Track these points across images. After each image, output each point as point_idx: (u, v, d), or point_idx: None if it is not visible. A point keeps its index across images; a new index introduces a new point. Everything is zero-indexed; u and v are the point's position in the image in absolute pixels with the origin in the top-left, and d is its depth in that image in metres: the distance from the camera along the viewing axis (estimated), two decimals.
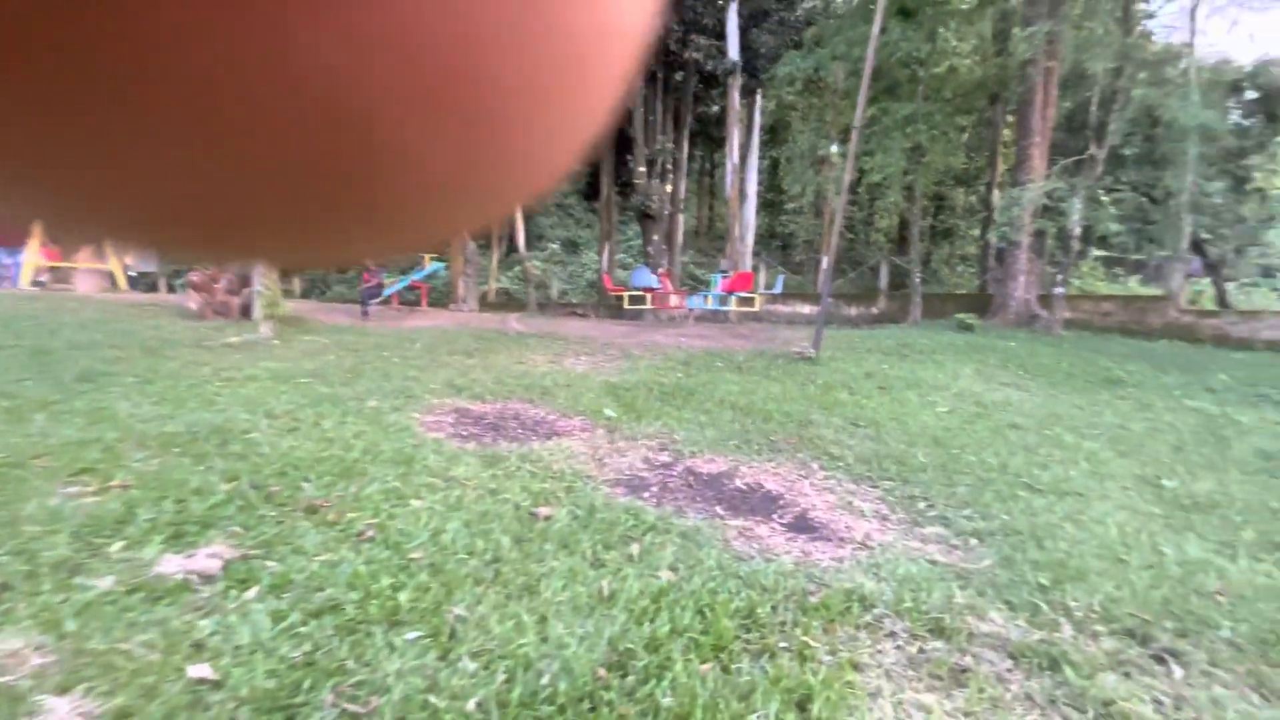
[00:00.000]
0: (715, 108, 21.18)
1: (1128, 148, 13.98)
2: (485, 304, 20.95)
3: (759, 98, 15.83)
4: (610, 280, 10.26)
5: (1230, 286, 20.15)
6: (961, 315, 10.97)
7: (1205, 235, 15.57)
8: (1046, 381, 7.59)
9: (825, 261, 6.98)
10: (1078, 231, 10.77)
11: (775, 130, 25.15)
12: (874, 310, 15.80)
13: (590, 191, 21.36)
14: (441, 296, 23.79)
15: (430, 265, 12.76)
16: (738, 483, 3.78)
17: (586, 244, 24.61)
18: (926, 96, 11.69)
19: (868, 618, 2.27)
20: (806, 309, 16.32)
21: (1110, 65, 10.61)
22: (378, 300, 10.69)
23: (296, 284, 23.18)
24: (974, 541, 3.14)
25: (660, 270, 14.33)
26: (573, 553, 2.56)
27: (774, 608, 2.27)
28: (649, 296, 10.81)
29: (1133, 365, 8.57)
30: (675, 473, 3.85)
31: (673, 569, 2.50)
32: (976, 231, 26.36)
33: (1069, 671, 2.01)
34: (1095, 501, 3.88)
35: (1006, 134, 18.90)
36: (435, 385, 5.32)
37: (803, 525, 3.23)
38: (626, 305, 11.00)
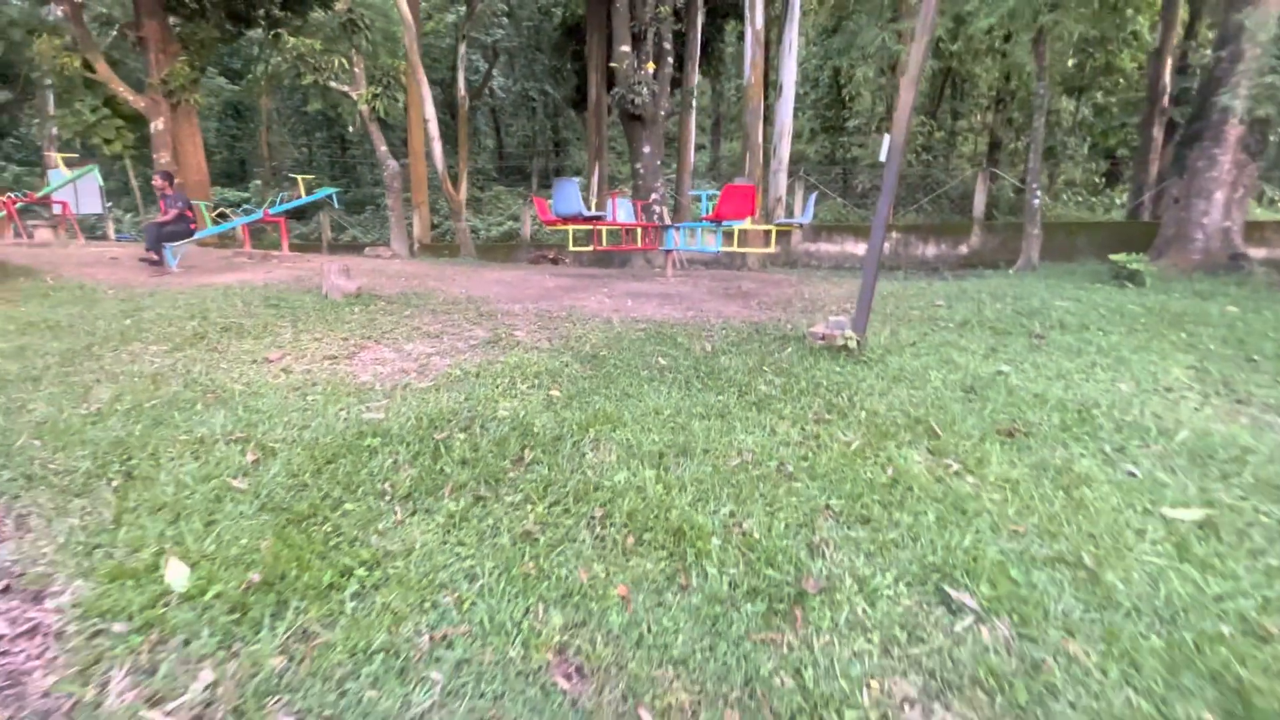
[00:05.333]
0: None
1: None
2: (446, 250, 17.67)
3: None
4: (544, 207, 6.78)
5: None
6: (1119, 257, 6.96)
7: None
8: None
9: (885, 145, 3.20)
10: None
11: (835, 31, 20.15)
12: (963, 249, 11.71)
13: (580, 97, 17.30)
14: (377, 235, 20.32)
15: (319, 191, 9.47)
16: None
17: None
18: None
19: None
20: (861, 249, 12.33)
21: None
22: (185, 242, 7.53)
23: None
24: None
25: (655, 195, 10.61)
26: None
27: None
28: (616, 235, 7.26)
29: None
30: None
31: None
32: (1085, 150, 21.22)
33: None
34: None
35: None
36: None
37: None
38: (572, 246, 7.49)
